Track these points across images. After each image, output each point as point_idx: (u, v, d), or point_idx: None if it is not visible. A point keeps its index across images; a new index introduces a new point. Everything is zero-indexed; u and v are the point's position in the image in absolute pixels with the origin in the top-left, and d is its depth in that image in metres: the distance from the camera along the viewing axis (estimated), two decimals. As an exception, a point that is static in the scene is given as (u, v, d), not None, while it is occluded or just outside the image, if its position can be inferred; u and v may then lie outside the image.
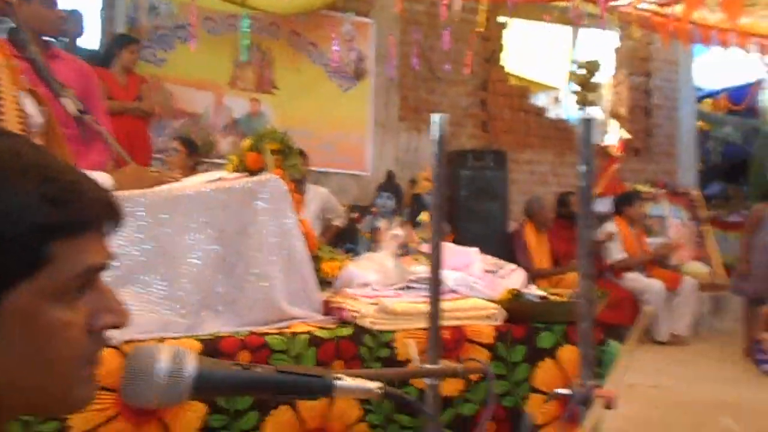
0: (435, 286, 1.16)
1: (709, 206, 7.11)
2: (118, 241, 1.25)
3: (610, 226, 5.15)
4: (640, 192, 6.14)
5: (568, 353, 1.54)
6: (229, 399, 1.22)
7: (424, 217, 4.59)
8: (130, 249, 1.32)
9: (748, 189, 7.31)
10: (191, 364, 0.58)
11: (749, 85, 7.73)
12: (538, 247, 4.85)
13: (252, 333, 1.34)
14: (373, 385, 0.71)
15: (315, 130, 5.18)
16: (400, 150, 5.54)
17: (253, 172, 1.62)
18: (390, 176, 4.94)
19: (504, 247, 4.61)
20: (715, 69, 7.85)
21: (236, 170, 1.67)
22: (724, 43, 5.64)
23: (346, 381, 0.68)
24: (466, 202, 4.82)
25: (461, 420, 1.43)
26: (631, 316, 4.97)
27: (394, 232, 1.64)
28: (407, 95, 5.67)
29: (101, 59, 4.00)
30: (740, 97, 7.64)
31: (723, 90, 8.14)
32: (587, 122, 1.09)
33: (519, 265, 1.93)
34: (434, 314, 1.15)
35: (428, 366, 1.14)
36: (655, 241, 5.54)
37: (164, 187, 1.49)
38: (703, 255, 6.37)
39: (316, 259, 1.66)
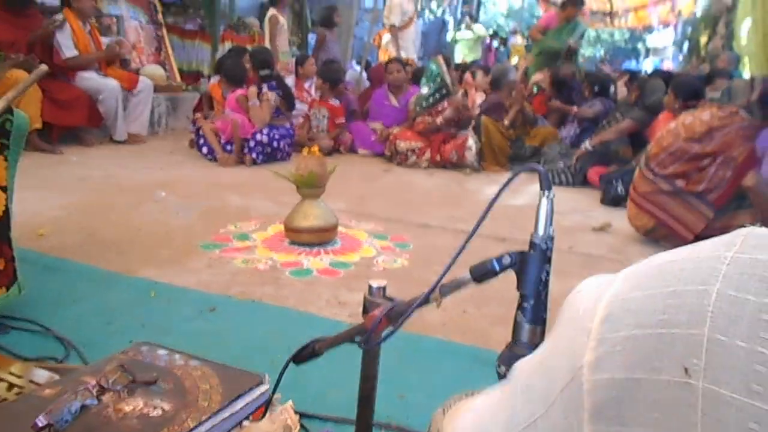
0: None
1: (167, 12, 7.26)
2: None
3: (59, 17, 4.67)
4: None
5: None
6: None
7: None
8: None
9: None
10: None
11: None
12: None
13: None
14: None
15: None
16: None
17: None
18: None
19: None
20: None
21: None
22: None
23: None
24: None
25: None
26: (87, 117, 4.84)
27: None
28: None
29: None
30: None
31: None
32: None
33: None
34: None
35: None
36: (110, 40, 5.38)
37: None
38: (161, 59, 6.63)
39: None
